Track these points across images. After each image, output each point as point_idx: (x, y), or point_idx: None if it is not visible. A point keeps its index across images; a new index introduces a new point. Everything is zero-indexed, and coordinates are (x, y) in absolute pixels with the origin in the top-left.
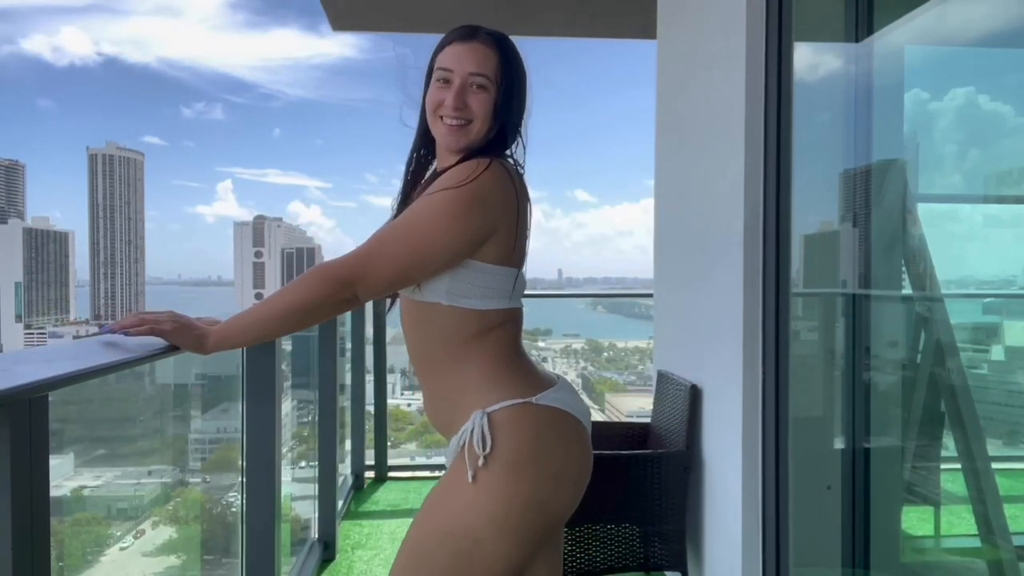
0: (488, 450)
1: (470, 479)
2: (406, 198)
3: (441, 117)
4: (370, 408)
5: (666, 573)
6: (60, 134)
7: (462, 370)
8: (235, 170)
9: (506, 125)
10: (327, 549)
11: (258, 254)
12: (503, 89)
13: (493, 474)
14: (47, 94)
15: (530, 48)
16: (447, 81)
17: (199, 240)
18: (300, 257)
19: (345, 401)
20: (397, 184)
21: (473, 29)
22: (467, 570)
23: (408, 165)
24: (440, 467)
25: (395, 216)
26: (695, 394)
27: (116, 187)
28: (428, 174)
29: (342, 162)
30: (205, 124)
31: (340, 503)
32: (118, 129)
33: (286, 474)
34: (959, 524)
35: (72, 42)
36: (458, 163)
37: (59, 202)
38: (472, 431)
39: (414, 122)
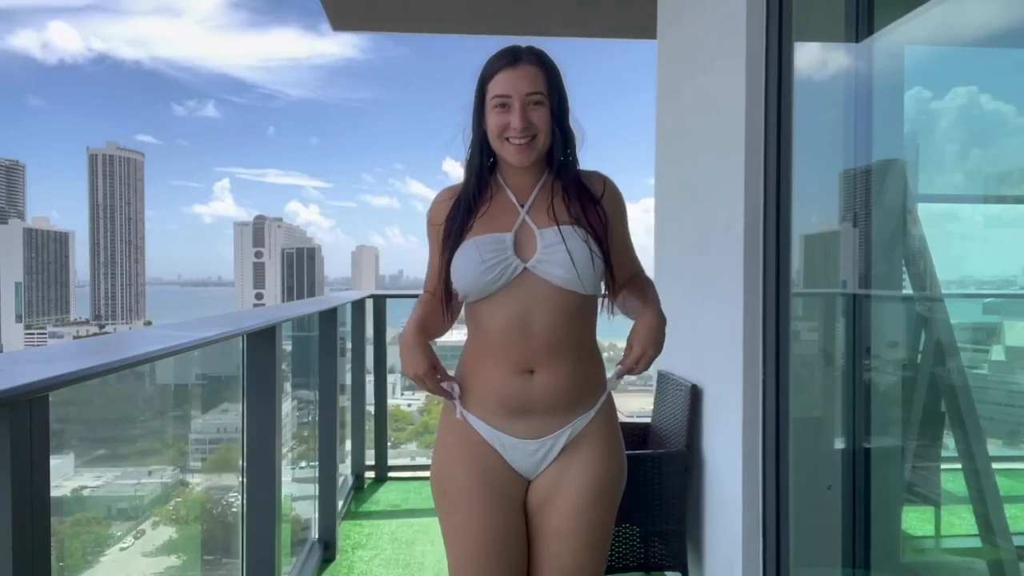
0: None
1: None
2: (469, 211)
3: (508, 139)
4: (370, 408)
5: (666, 573)
6: (54, 133)
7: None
8: (232, 170)
9: (564, 129)
10: (327, 549)
11: (258, 254)
12: (556, 100)
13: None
14: (38, 92)
15: None
16: (505, 106)
17: (197, 240)
18: (300, 257)
19: (345, 401)
20: (394, 183)
21: (515, 53)
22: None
23: (469, 183)
24: None
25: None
26: (695, 394)
27: (116, 187)
28: (539, 185)
29: (340, 162)
30: (199, 123)
31: (340, 503)
32: (112, 127)
33: (286, 474)
34: (959, 524)
35: (61, 39)
36: (563, 174)
37: (57, 202)
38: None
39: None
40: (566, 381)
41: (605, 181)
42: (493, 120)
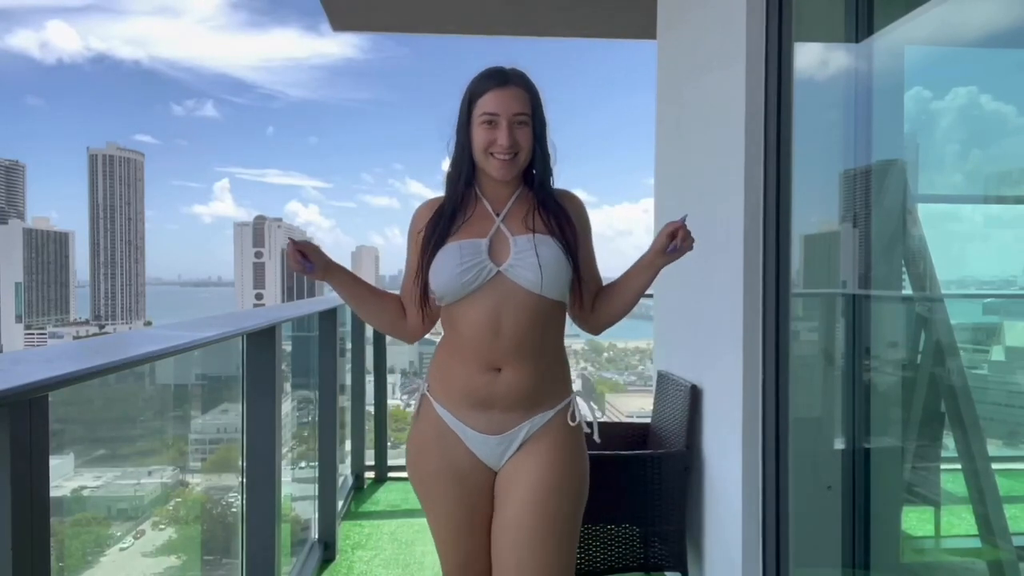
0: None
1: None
2: (452, 218)
3: (492, 154)
4: (370, 408)
5: (666, 573)
6: (53, 133)
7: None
8: (232, 170)
9: (543, 148)
10: (327, 549)
11: (258, 254)
12: (538, 120)
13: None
14: (37, 92)
15: (529, 48)
16: (493, 123)
17: (197, 240)
18: None
19: (345, 401)
20: (393, 183)
21: (503, 74)
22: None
23: (454, 191)
24: None
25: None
26: (695, 394)
27: (116, 187)
28: (514, 197)
29: (339, 162)
30: (198, 123)
31: (340, 503)
32: (111, 127)
33: (286, 474)
34: (959, 524)
35: (60, 38)
36: (541, 190)
37: (57, 202)
38: (577, 409)
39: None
40: (529, 380)
41: (574, 199)
42: (480, 135)
